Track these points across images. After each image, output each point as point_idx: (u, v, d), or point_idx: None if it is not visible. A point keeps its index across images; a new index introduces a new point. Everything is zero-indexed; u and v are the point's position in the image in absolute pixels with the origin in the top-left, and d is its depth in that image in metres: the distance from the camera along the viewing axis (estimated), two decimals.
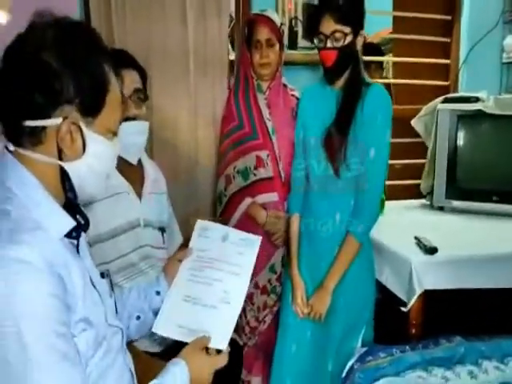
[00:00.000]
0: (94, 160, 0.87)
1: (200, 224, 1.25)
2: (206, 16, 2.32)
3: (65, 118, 0.81)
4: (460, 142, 2.31)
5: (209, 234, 1.23)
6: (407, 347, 1.49)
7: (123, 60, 1.43)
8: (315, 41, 1.59)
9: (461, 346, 1.47)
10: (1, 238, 0.74)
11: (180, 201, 2.00)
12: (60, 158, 0.83)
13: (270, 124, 1.93)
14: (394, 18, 2.87)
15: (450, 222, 2.18)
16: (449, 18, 2.83)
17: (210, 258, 1.19)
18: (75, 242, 0.88)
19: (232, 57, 2.60)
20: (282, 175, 1.90)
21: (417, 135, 2.55)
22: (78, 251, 0.89)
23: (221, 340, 1.07)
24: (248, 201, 1.91)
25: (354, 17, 1.55)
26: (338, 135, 1.57)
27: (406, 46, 2.83)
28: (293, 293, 1.70)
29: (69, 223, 0.85)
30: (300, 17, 2.50)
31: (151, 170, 1.59)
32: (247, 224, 1.82)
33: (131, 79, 1.45)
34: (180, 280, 1.18)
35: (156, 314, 1.15)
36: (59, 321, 0.76)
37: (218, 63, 2.33)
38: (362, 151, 1.56)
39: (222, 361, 1.05)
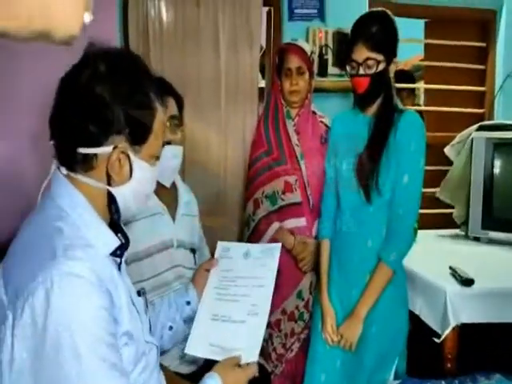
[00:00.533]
0: (139, 184, 0.92)
1: (221, 245, 1.30)
2: (237, 47, 2.40)
3: (115, 147, 0.86)
4: (496, 170, 2.24)
5: (231, 253, 1.27)
6: (443, 382, 1.42)
7: (162, 87, 1.47)
8: (348, 68, 1.59)
9: None
10: (57, 254, 0.78)
11: (209, 223, 2.01)
12: (108, 183, 0.88)
13: (298, 150, 1.93)
14: (426, 44, 2.86)
15: (486, 254, 2.10)
16: (483, 45, 2.80)
17: (235, 277, 1.22)
18: (118, 259, 0.92)
19: (262, 84, 2.64)
20: (310, 201, 1.90)
21: (449, 163, 2.50)
22: (119, 269, 0.93)
23: (252, 352, 1.09)
24: (276, 225, 1.90)
25: (387, 45, 1.55)
26: (369, 161, 1.56)
27: (438, 73, 2.81)
28: (323, 320, 1.66)
29: (115, 242, 0.90)
30: (330, 45, 2.53)
31: (184, 193, 1.63)
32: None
33: (169, 107, 1.49)
34: (207, 300, 1.21)
35: (186, 322, 1.19)
36: (109, 332, 0.79)
37: (248, 91, 2.40)
38: (394, 177, 1.54)
39: (253, 371, 1.07)
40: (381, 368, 1.59)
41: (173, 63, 2.29)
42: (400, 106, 1.62)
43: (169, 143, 1.47)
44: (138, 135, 0.88)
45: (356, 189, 1.60)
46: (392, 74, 1.59)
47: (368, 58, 1.52)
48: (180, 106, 1.55)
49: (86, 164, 0.86)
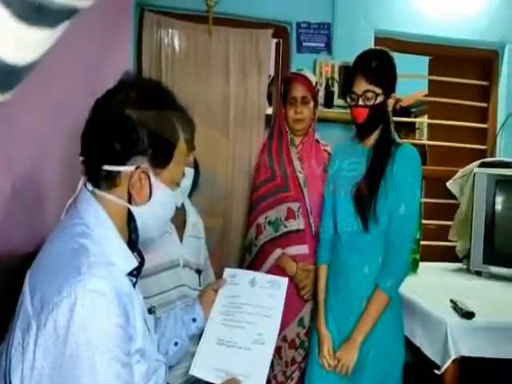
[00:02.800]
0: (158, 207, 0.96)
1: (228, 272, 1.30)
2: (246, 75, 2.48)
3: (137, 167, 0.90)
4: (498, 206, 2.26)
5: (237, 280, 1.28)
6: None
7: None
8: (348, 99, 1.66)
9: None
10: (81, 271, 0.81)
11: (213, 244, 2.03)
12: (129, 202, 0.92)
13: (301, 177, 1.96)
14: (430, 81, 2.93)
15: (487, 288, 2.09)
16: (486, 83, 2.87)
17: (241, 303, 1.22)
18: (134, 279, 0.95)
19: (269, 111, 2.71)
20: (313, 228, 1.91)
21: (452, 197, 2.52)
22: (134, 287, 0.95)
23: (257, 380, 1.09)
24: (278, 252, 1.90)
25: (386, 79, 1.62)
26: (367, 191, 1.60)
27: (441, 109, 2.87)
28: (319, 345, 1.66)
29: (133, 262, 0.93)
30: (336, 77, 2.59)
31: (192, 215, 1.66)
32: (277, 275, 1.80)
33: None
34: (213, 324, 1.21)
35: (191, 339, 1.21)
36: (124, 351, 0.82)
37: (255, 118, 2.46)
38: (391, 207, 1.58)
39: None
40: None
41: (184, 89, 2.36)
42: (397, 139, 1.68)
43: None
44: (160, 158, 0.93)
45: (354, 217, 1.63)
46: (390, 108, 1.65)
47: (367, 91, 1.59)
48: (191, 130, 1.59)
49: (109, 181, 0.91)
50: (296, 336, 1.88)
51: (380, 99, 1.60)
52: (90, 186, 0.92)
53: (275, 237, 1.93)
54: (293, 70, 2.25)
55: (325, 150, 2.03)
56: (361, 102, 1.60)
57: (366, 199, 1.59)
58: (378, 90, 1.59)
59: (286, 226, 1.92)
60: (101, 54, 1.84)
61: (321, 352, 1.65)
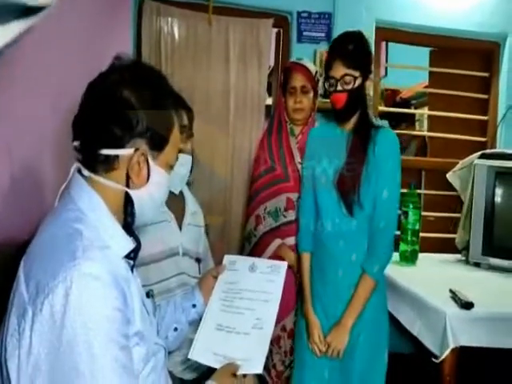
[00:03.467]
0: (155, 189, 0.95)
1: (228, 258, 1.31)
2: (246, 65, 2.47)
3: (136, 150, 0.90)
4: (498, 198, 2.26)
5: (237, 266, 1.28)
6: None
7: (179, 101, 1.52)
8: (326, 85, 1.65)
9: None
10: (76, 255, 0.80)
11: (213, 235, 2.03)
12: (127, 185, 0.92)
13: (300, 167, 1.94)
14: (430, 72, 2.91)
15: (486, 279, 2.09)
16: (486, 75, 2.86)
17: (240, 289, 1.23)
18: (131, 262, 0.95)
19: (268, 102, 2.69)
20: None
21: (451, 188, 2.52)
22: (132, 271, 0.95)
23: (256, 364, 1.10)
24: (277, 242, 1.91)
25: (363, 62, 1.62)
26: (351, 175, 1.60)
27: (441, 100, 2.86)
28: (309, 331, 1.67)
29: (130, 245, 0.93)
30: None
31: (191, 204, 1.66)
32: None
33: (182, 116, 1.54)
34: (212, 310, 1.22)
35: (191, 325, 1.22)
36: (122, 334, 0.82)
37: (255, 107, 2.46)
38: (374, 192, 1.59)
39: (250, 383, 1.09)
40: (370, 377, 1.61)
41: (183, 77, 2.34)
42: (376, 122, 1.68)
43: (179, 151, 1.50)
44: (157, 141, 0.92)
45: (337, 203, 1.63)
46: (368, 91, 1.66)
47: (345, 75, 1.58)
48: (190, 118, 1.59)
49: (107, 165, 0.90)
50: (294, 325, 1.88)
51: (358, 82, 1.59)
52: (86, 172, 0.91)
53: (274, 227, 1.93)
54: (293, 59, 2.24)
55: None
56: (339, 87, 1.59)
57: (349, 184, 1.60)
58: (356, 73, 1.59)
59: (285, 217, 1.92)
60: (100, 43, 1.82)
61: (311, 338, 1.66)
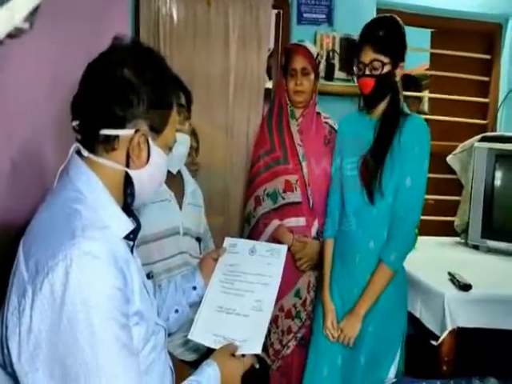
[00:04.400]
0: (155, 170, 0.96)
1: (228, 241, 1.32)
2: (246, 46, 2.44)
3: (137, 130, 0.89)
4: (497, 181, 2.26)
5: (237, 249, 1.29)
6: (438, 382, 1.43)
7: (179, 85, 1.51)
8: (355, 69, 1.63)
9: None
10: (76, 234, 0.80)
11: (212, 218, 2.04)
12: (127, 166, 0.91)
13: (300, 149, 1.94)
14: (432, 54, 2.89)
15: (484, 262, 2.12)
16: (488, 57, 2.83)
17: (241, 272, 1.24)
18: (131, 243, 0.95)
19: (268, 85, 2.67)
20: (310, 201, 1.91)
21: (451, 172, 2.52)
22: (132, 251, 0.95)
23: (255, 345, 1.11)
24: (276, 223, 1.91)
25: (393, 48, 1.58)
26: (373, 163, 1.58)
27: (443, 83, 2.84)
28: (323, 317, 1.68)
29: (129, 225, 0.93)
30: (337, 50, 2.56)
31: (190, 184, 1.67)
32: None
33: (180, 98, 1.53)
34: (212, 291, 1.23)
35: (191, 306, 1.24)
36: (122, 312, 0.82)
37: (255, 90, 2.44)
38: (397, 180, 1.56)
39: (249, 362, 1.10)
40: (376, 367, 1.60)
41: (182, 59, 2.32)
42: (406, 110, 1.64)
43: (176, 131, 1.50)
44: (157, 122, 0.92)
45: (360, 190, 1.61)
46: (398, 78, 1.61)
47: (374, 60, 1.55)
48: (188, 100, 1.58)
49: (107, 145, 0.89)
50: (292, 306, 1.91)
51: (387, 68, 1.56)
52: (85, 152, 0.90)
53: (273, 208, 1.94)
54: (294, 41, 2.22)
55: (326, 123, 2.00)
56: (367, 72, 1.57)
57: (371, 172, 1.58)
58: (386, 59, 1.56)
59: (283, 198, 1.92)
60: (98, 24, 1.80)
61: (325, 324, 1.67)
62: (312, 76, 1.94)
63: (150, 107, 0.89)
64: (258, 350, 1.10)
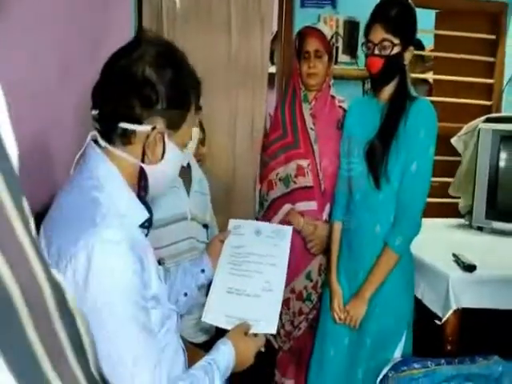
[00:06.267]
0: (169, 166, 0.98)
1: (233, 223, 1.33)
2: (249, 31, 2.42)
3: (154, 128, 0.91)
4: (502, 163, 2.26)
5: (242, 230, 1.31)
6: (442, 360, 1.46)
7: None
8: (364, 48, 1.62)
9: (498, 365, 1.43)
10: (96, 221, 0.83)
11: (219, 204, 2.06)
12: (142, 160, 0.94)
13: (312, 133, 1.94)
14: (436, 35, 2.86)
15: (489, 243, 2.13)
16: (493, 37, 2.81)
17: (247, 253, 1.26)
18: (145, 230, 0.98)
19: (271, 69, 2.66)
20: (322, 185, 1.91)
21: (456, 153, 2.52)
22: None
23: (269, 324, 1.13)
24: (287, 207, 1.93)
25: (404, 29, 1.57)
26: (380, 147, 1.58)
27: (447, 64, 2.82)
28: (330, 299, 1.72)
29: (144, 214, 0.96)
30: (341, 33, 2.54)
31: (197, 172, 1.70)
32: None
33: None
34: (221, 273, 1.25)
35: (200, 289, 1.26)
36: (141, 295, 0.86)
37: (258, 75, 2.43)
38: (403, 165, 1.56)
39: (261, 342, 1.13)
40: (382, 349, 1.63)
41: (184, 45, 2.29)
42: (414, 93, 1.63)
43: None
44: (175, 121, 0.94)
45: (366, 175, 1.62)
46: (407, 62, 1.60)
47: (384, 40, 1.54)
48: (199, 91, 1.58)
49: (124, 138, 0.91)
50: (303, 288, 1.93)
51: (397, 50, 1.54)
52: (102, 142, 0.93)
53: (285, 193, 1.95)
54: (297, 26, 2.21)
55: (340, 107, 1.97)
56: (376, 52, 1.55)
57: (377, 157, 1.58)
58: (396, 40, 1.54)
59: (295, 183, 1.93)
60: (101, 11, 1.80)
61: (331, 306, 1.70)
62: (326, 58, 1.92)
63: (168, 106, 0.91)
64: (274, 330, 1.13)
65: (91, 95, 0.94)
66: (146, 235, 0.98)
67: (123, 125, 0.90)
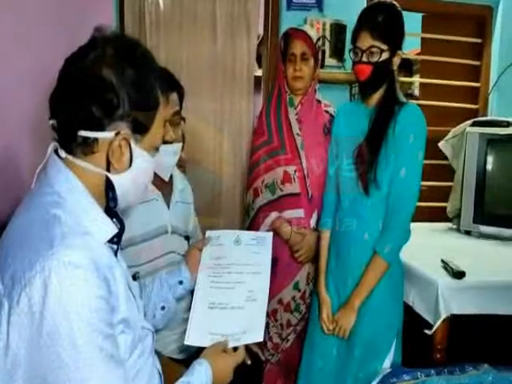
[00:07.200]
0: (138, 174, 0.91)
1: (210, 234, 1.29)
2: (234, 34, 2.40)
3: (117, 133, 0.84)
4: (489, 166, 2.26)
5: (221, 241, 1.27)
6: (432, 371, 1.43)
7: (166, 80, 1.44)
8: (351, 55, 1.59)
9: (488, 374, 1.41)
10: (54, 243, 0.76)
11: (204, 210, 2.01)
12: (107, 170, 0.87)
13: (299, 139, 1.89)
14: (423, 38, 2.86)
15: (477, 247, 2.12)
16: (479, 41, 2.81)
17: (228, 264, 1.22)
18: (115, 246, 0.90)
19: (258, 73, 2.64)
20: (309, 192, 1.87)
21: (443, 157, 2.52)
22: (116, 255, 0.91)
23: (256, 333, 1.10)
24: (274, 215, 1.88)
25: (392, 35, 1.54)
26: (368, 153, 1.56)
27: (434, 68, 2.82)
28: (319, 308, 1.69)
29: (112, 229, 0.88)
30: (328, 36, 2.52)
31: (179, 181, 1.62)
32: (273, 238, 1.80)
33: (172, 101, 1.46)
34: (201, 289, 1.20)
35: (178, 301, 1.22)
36: (106, 322, 0.79)
37: (244, 79, 2.41)
38: (392, 170, 1.54)
39: (240, 357, 1.09)
40: (371, 359, 1.60)
41: (169, 48, 2.28)
42: (402, 98, 1.61)
43: (171, 142, 1.44)
44: (141, 124, 0.87)
45: (355, 181, 1.60)
46: (395, 67, 1.58)
47: (372, 46, 1.51)
48: (181, 96, 1.52)
49: (85, 148, 0.84)
50: (291, 299, 1.89)
51: (385, 56, 1.52)
52: (62, 153, 0.86)
53: (272, 200, 1.89)
54: (283, 28, 2.17)
55: (326, 112, 1.94)
56: (365, 59, 1.53)
57: (366, 162, 1.55)
58: (384, 46, 1.51)
59: (282, 190, 1.88)
60: (81, 12, 1.75)
61: (320, 316, 1.67)
62: (311, 62, 1.87)
63: (132, 108, 0.84)
64: (260, 338, 1.10)
65: (49, 104, 0.86)
66: (116, 251, 0.91)
67: (83, 133, 0.83)
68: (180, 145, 1.52)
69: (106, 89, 0.82)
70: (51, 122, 0.86)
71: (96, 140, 0.84)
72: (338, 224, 1.68)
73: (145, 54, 0.90)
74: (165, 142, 1.42)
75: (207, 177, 2.33)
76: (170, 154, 1.46)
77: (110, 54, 0.84)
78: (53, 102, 0.86)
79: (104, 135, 0.83)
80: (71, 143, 0.85)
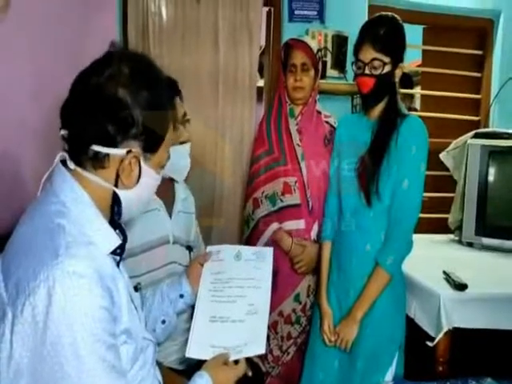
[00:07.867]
0: (144, 190, 0.93)
1: (211, 249, 1.30)
2: (236, 45, 2.41)
3: (129, 151, 0.86)
4: (491, 178, 2.26)
5: (221, 256, 1.27)
6: None
7: (173, 89, 1.47)
8: (354, 68, 1.61)
9: None
10: (59, 252, 0.76)
11: (204, 215, 2.01)
12: (115, 185, 0.88)
13: (299, 150, 1.89)
14: (424, 50, 2.87)
15: (479, 259, 2.11)
16: (480, 52, 2.83)
17: (229, 278, 1.22)
18: (117, 257, 0.91)
19: (260, 84, 2.64)
20: (310, 203, 1.86)
21: (444, 168, 2.51)
22: (118, 266, 0.92)
23: (257, 345, 1.09)
24: (275, 226, 1.87)
25: (394, 48, 1.56)
26: (371, 165, 1.56)
27: (434, 79, 2.83)
28: (320, 320, 1.67)
29: (116, 241, 0.89)
30: (329, 47, 2.53)
31: (182, 190, 1.61)
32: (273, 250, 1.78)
33: (179, 105, 1.48)
34: (202, 302, 1.20)
35: (178, 315, 1.21)
36: (109, 333, 0.79)
37: (246, 89, 2.41)
38: (394, 182, 1.54)
39: (241, 369, 1.08)
40: (373, 371, 1.58)
41: (172, 58, 2.29)
42: (404, 110, 1.62)
43: (185, 142, 1.48)
44: (152, 143, 0.89)
45: (357, 192, 1.59)
46: (397, 79, 1.59)
47: (374, 59, 1.53)
48: (180, 99, 1.53)
49: (96, 162, 0.86)
50: (292, 311, 1.87)
51: (387, 69, 1.54)
52: (71, 164, 0.87)
53: (272, 211, 1.88)
54: (285, 40, 2.18)
55: (327, 122, 1.94)
56: (367, 71, 1.54)
57: (368, 174, 1.55)
58: (386, 59, 1.53)
59: (282, 201, 1.87)
60: (85, 23, 1.76)
61: (322, 327, 1.66)
62: (312, 72, 1.89)
63: (145, 128, 0.86)
64: (263, 350, 1.09)
65: (60, 114, 0.87)
66: (118, 263, 0.91)
67: (95, 147, 0.84)
68: (190, 144, 1.54)
69: (120, 108, 0.84)
70: (62, 132, 0.87)
71: (107, 155, 0.85)
72: (339, 235, 1.68)
73: (157, 74, 0.92)
74: (181, 143, 1.49)
75: (208, 182, 2.32)
76: (184, 156, 1.50)
77: (125, 74, 0.86)
78: (65, 113, 0.87)
79: (116, 152, 0.85)
80: (82, 156, 0.86)
